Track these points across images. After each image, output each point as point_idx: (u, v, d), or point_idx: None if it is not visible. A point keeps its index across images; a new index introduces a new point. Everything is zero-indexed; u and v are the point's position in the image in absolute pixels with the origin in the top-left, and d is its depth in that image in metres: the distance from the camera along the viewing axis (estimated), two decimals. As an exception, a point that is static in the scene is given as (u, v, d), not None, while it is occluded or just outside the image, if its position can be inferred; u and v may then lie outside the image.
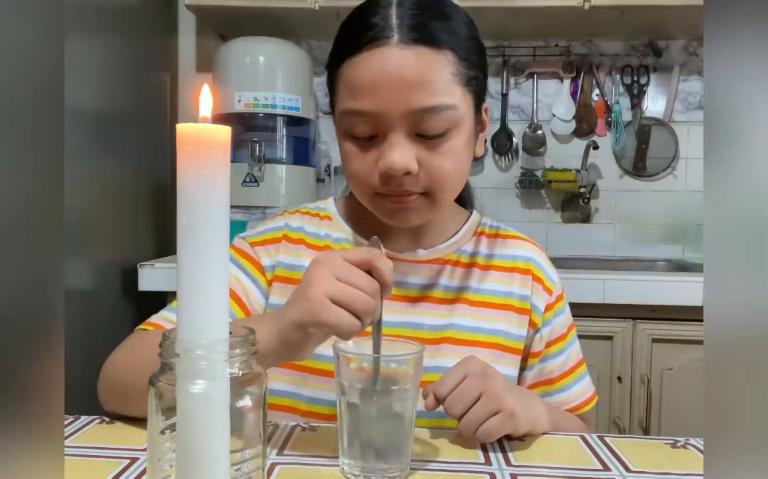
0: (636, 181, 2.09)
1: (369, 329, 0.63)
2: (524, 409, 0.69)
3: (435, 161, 0.73)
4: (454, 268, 0.85)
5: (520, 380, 0.86)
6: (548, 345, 0.86)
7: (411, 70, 0.70)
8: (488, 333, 0.82)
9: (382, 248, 0.64)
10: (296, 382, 0.80)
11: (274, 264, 0.84)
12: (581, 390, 0.88)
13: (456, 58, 0.72)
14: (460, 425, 0.66)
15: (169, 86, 1.99)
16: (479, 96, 0.78)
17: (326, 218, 0.88)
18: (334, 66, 0.76)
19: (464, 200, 0.93)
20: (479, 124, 0.80)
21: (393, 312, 0.81)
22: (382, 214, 0.78)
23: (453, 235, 0.87)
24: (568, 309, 0.90)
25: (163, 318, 0.82)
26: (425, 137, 0.72)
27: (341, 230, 0.87)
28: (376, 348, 0.62)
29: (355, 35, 0.72)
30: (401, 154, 0.71)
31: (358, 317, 0.59)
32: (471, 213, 0.91)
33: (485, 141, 2.31)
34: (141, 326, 0.82)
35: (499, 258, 0.87)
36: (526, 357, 0.86)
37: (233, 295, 0.81)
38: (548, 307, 0.86)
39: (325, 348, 0.78)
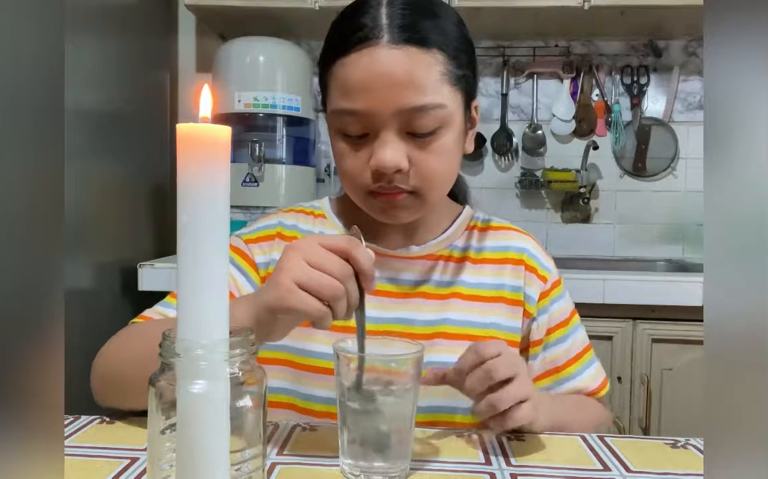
0: (636, 181, 2.09)
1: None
2: (541, 404, 0.70)
3: (425, 159, 0.74)
4: (447, 263, 0.85)
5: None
6: (549, 332, 0.86)
7: (401, 70, 0.71)
8: (481, 326, 0.82)
9: (362, 239, 0.64)
10: (292, 380, 0.81)
11: (267, 261, 0.85)
12: (592, 375, 0.87)
13: (445, 57, 0.73)
14: (492, 398, 0.64)
15: (169, 86, 1.99)
16: (469, 94, 0.79)
17: (320, 216, 0.89)
18: (325, 65, 0.77)
19: (457, 195, 0.94)
20: (469, 121, 0.81)
21: (386, 308, 0.82)
22: (373, 212, 0.79)
23: (445, 231, 0.88)
24: (568, 295, 0.89)
25: (155, 312, 0.82)
26: (415, 136, 0.74)
27: (335, 228, 0.88)
28: (360, 332, 0.62)
29: (346, 35, 0.73)
30: (392, 152, 0.72)
31: (328, 304, 0.59)
32: (463, 208, 0.92)
33: (485, 141, 2.30)
34: (134, 319, 0.82)
35: (490, 250, 0.87)
36: (526, 348, 0.86)
37: None
38: (544, 295, 0.86)
39: (320, 346, 0.79)
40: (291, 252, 0.60)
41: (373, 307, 0.80)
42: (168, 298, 0.84)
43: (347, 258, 0.60)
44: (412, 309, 0.82)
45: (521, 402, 0.65)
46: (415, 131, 0.73)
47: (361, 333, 0.62)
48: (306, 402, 0.80)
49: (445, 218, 0.88)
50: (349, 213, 0.88)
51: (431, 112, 0.72)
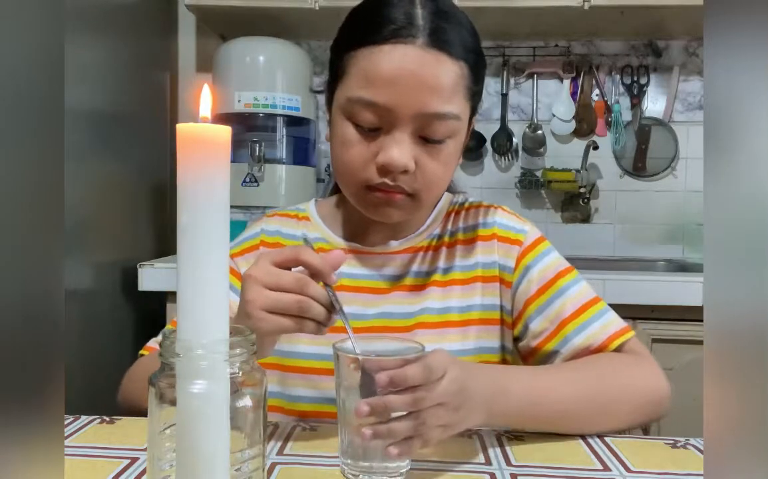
0: (636, 181, 2.09)
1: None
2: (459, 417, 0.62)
3: (430, 165, 0.75)
4: (426, 253, 0.86)
5: (527, 335, 0.81)
6: (544, 288, 0.81)
7: (430, 74, 0.71)
8: (459, 311, 0.82)
9: (313, 246, 0.65)
10: (278, 382, 0.81)
11: None
12: (608, 322, 0.80)
13: (468, 70, 0.75)
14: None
15: (169, 86, 1.99)
16: (474, 110, 0.80)
17: (304, 218, 0.90)
18: (345, 49, 0.76)
19: None
20: (467, 136, 0.82)
21: (367, 305, 0.82)
22: (366, 207, 0.79)
23: (425, 222, 0.88)
24: (557, 253, 0.86)
25: (158, 342, 0.83)
26: (426, 140, 0.74)
27: (318, 230, 0.88)
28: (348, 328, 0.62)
29: (377, 25, 0.73)
30: (402, 151, 0.73)
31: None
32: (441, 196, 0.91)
33: (485, 141, 2.30)
34: (141, 351, 0.84)
35: (463, 231, 0.87)
36: (520, 315, 0.82)
37: None
38: (523, 254, 0.83)
39: (305, 347, 0.80)
40: (249, 283, 0.61)
41: (355, 305, 0.81)
42: (170, 326, 0.85)
43: (299, 265, 0.62)
44: (392, 303, 0.83)
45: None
46: (428, 136, 0.74)
47: (349, 332, 0.63)
48: (293, 403, 0.81)
49: (425, 212, 0.88)
50: (334, 214, 0.89)
51: (449, 121, 0.73)
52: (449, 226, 0.88)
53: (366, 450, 0.59)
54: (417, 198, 0.77)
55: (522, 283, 0.82)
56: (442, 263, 0.85)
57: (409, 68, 0.71)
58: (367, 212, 0.79)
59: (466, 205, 0.90)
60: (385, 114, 0.72)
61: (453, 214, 0.89)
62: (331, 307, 0.62)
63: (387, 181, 0.74)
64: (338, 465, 0.62)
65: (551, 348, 0.79)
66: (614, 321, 0.81)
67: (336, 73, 0.78)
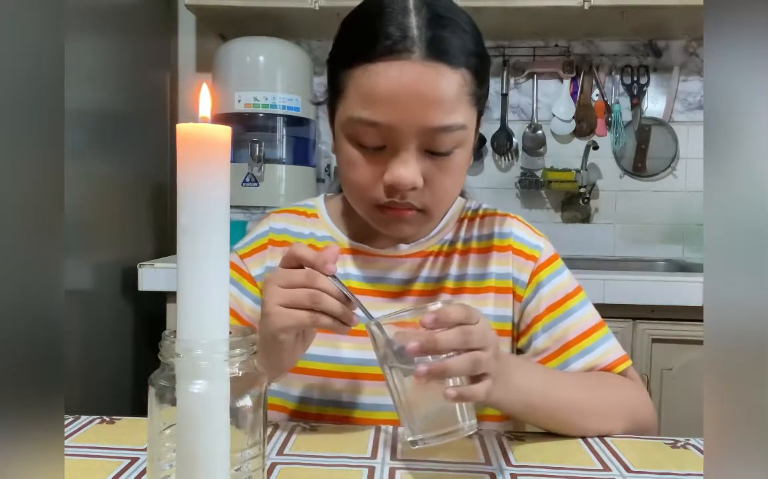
0: (636, 181, 2.09)
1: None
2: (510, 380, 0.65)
3: (439, 178, 0.73)
4: (436, 259, 0.84)
5: (529, 351, 0.82)
6: (553, 307, 0.81)
7: (431, 88, 0.69)
8: None
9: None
10: (283, 382, 0.81)
11: (262, 272, 0.85)
12: (609, 349, 0.81)
13: (471, 76, 0.72)
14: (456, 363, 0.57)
15: (169, 86, 1.99)
16: (481, 113, 0.78)
17: (313, 216, 0.89)
18: (341, 66, 0.73)
19: None
20: (475, 139, 0.81)
21: (375, 308, 0.80)
22: (377, 224, 0.78)
23: (436, 226, 0.86)
24: (568, 272, 0.86)
25: None
26: (433, 154, 0.72)
27: (326, 228, 0.87)
28: (368, 315, 0.63)
29: (372, 41, 0.70)
30: (409, 169, 0.71)
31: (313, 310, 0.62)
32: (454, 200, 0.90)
33: (485, 141, 2.30)
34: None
35: (477, 239, 0.85)
36: (525, 330, 0.82)
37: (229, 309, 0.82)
38: (537, 271, 0.83)
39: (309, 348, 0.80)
40: (267, 286, 0.65)
41: None
42: None
43: (297, 262, 0.64)
44: (400, 308, 0.81)
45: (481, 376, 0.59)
46: (434, 150, 0.72)
47: (365, 311, 0.63)
48: (298, 404, 0.80)
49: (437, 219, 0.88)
50: (340, 214, 0.88)
51: (454, 132, 0.71)
52: (462, 233, 0.86)
53: (436, 413, 0.58)
54: (428, 212, 0.76)
55: (532, 300, 0.82)
56: (454, 270, 0.83)
57: (408, 84, 0.68)
58: (379, 228, 0.78)
59: (480, 212, 0.88)
60: (387, 133, 0.70)
61: (466, 221, 0.87)
62: (345, 300, 0.62)
63: (396, 199, 0.73)
64: (338, 466, 0.62)
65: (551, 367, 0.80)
66: (614, 349, 0.82)
67: (335, 89, 0.75)
